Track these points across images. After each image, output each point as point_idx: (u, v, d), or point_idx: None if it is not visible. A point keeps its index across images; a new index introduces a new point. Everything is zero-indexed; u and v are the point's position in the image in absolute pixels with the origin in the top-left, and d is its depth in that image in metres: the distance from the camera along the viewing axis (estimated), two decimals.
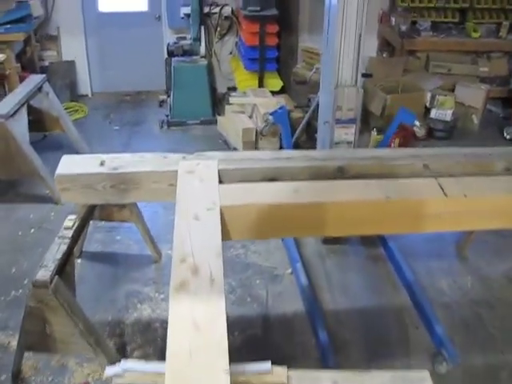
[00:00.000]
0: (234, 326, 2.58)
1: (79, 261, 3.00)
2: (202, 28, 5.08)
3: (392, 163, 2.32)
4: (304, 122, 3.51)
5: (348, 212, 2.05)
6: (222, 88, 5.80)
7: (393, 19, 5.35)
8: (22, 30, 4.60)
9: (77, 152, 4.26)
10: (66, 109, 5.26)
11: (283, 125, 2.82)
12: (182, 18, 5.16)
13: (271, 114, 2.80)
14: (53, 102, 3.92)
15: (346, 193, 2.07)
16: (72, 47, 5.52)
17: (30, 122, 3.68)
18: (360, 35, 2.60)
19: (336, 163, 2.29)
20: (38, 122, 3.97)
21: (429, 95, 4.91)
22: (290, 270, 2.97)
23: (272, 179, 2.27)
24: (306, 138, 3.91)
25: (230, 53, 5.50)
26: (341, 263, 3.03)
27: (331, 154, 2.40)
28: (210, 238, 1.76)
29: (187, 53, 5.00)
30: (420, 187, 2.11)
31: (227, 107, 4.62)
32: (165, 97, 5.67)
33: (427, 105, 4.95)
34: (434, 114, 4.89)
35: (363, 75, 2.84)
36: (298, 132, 3.51)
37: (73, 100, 5.46)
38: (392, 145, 4.67)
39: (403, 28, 5.13)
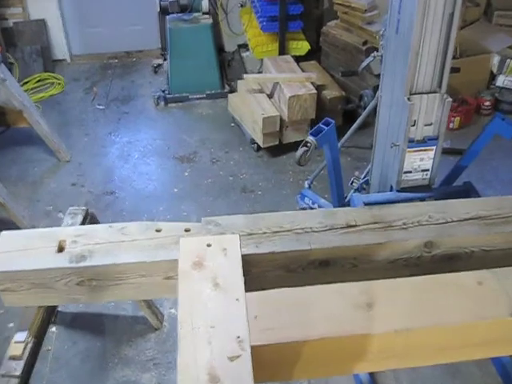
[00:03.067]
0: None
1: (54, 329, 2.34)
2: None
3: (503, 230, 1.61)
4: (354, 127, 2.71)
5: (454, 337, 1.35)
6: (230, 47, 4.93)
7: None
8: None
9: (48, 148, 3.51)
10: (38, 81, 4.50)
11: (331, 145, 2.06)
12: None
13: (313, 135, 2.03)
14: (12, 91, 3.12)
15: (451, 305, 1.35)
16: (41, 2, 4.61)
17: None
18: (452, 15, 1.78)
19: (420, 235, 1.58)
20: None
21: (496, 59, 4.04)
22: None
23: (324, 262, 1.56)
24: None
25: (241, 5, 4.58)
26: None
27: (410, 213, 1.66)
28: None
29: (185, 9, 4.10)
30: None
31: (240, 83, 3.78)
32: (160, 60, 4.83)
33: (494, 70, 4.09)
34: (500, 81, 4.06)
35: (452, 70, 2.03)
36: (344, 140, 2.72)
37: (47, 70, 4.61)
38: (451, 124, 3.88)
39: None
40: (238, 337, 1.24)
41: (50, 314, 1.62)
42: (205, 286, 1.35)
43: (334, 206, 2.44)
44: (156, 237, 1.55)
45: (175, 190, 3.31)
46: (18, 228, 2.84)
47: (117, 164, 3.57)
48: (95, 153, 3.67)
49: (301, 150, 2.08)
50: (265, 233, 1.56)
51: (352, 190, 2.52)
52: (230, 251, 1.48)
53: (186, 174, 3.46)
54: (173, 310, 2.43)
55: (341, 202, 2.38)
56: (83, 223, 1.88)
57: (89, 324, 2.41)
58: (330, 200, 2.63)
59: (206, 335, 1.23)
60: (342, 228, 1.58)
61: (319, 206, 2.76)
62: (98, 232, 1.56)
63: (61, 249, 1.51)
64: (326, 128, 2.05)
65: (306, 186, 2.93)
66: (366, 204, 2.02)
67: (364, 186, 2.47)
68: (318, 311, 1.32)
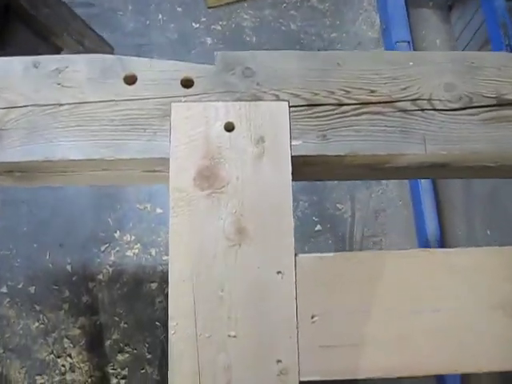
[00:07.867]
0: None
1: None
2: None
3: None
4: None
5: None
6: None
7: None
8: None
9: None
10: None
11: None
12: None
13: None
14: None
15: None
16: None
17: None
18: None
19: None
20: None
21: None
22: None
23: (440, 165, 0.89)
24: None
25: None
26: None
27: None
28: None
29: None
30: None
31: None
32: None
33: None
34: None
35: None
36: None
37: None
38: None
39: None
40: (279, 361, 0.71)
41: None
42: (220, 235, 0.74)
43: None
44: (125, 98, 0.82)
45: None
46: None
47: None
48: None
49: None
50: (340, 104, 0.83)
51: None
52: (272, 146, 0.80)
53: None
54: None
55: None
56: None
57: None
58: None
59: (221, 357, 0.69)
60: (487, 107, 0.84)
61: None
62: (14, 78, 0.84)
63: None
64: None
65: None
66: None
67: None
68: (430, 313, 0.73)
